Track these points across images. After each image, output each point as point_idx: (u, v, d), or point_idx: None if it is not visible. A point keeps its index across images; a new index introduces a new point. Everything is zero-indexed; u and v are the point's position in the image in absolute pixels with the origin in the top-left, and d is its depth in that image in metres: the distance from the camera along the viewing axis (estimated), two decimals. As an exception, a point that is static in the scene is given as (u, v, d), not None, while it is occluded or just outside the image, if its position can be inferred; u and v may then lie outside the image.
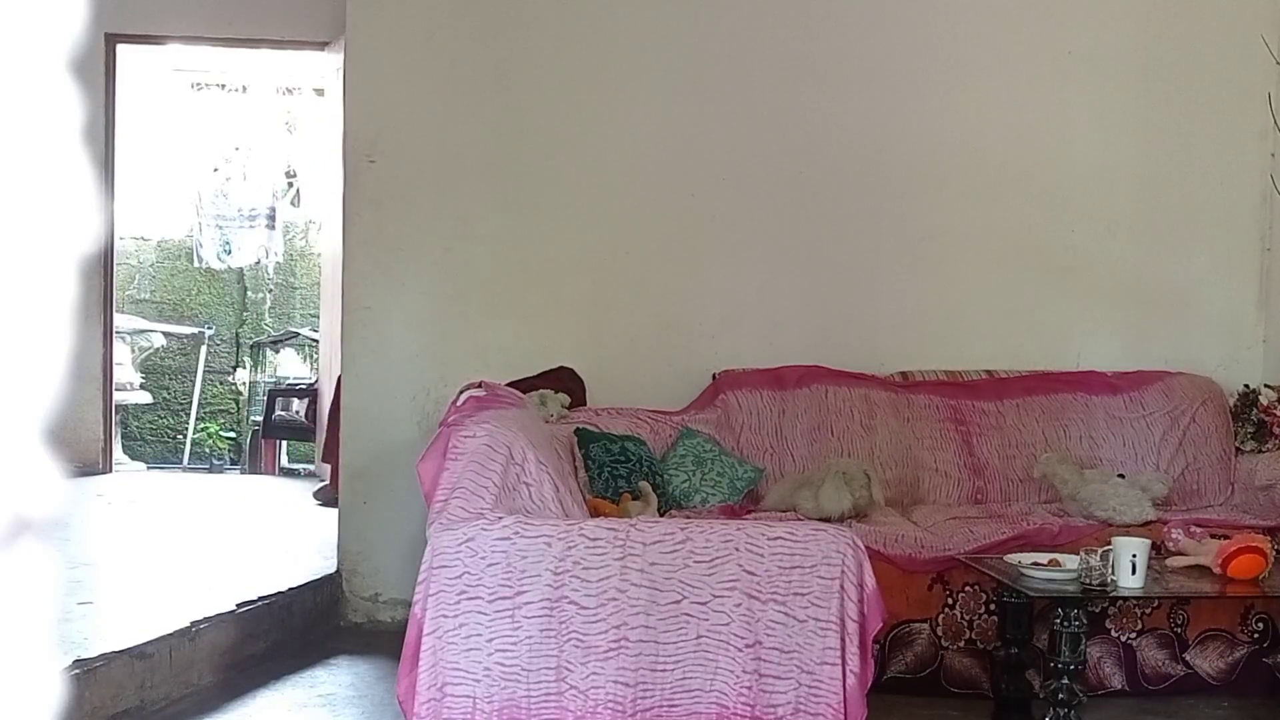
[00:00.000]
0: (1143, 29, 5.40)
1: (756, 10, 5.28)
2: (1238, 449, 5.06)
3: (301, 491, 7.24)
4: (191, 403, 9.34)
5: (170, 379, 9.48)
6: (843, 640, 2.99)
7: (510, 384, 4.44)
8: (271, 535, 5.83)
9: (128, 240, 9.28)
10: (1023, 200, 5.38)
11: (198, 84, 9.62)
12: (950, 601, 4.23)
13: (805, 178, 5.29)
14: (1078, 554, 3.67)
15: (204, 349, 9.37)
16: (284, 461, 8.52)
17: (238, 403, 9.50)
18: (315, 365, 8.77)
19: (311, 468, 8.30)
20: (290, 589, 4.65)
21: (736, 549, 3.03)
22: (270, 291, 9.71)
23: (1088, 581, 3.56)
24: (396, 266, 5.13)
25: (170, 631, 3.84)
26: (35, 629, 0.72)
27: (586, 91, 5.22)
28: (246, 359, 9.48)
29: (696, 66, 5.25)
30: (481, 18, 5.18)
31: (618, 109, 5.24)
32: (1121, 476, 4.67)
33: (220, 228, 9.39)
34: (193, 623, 3.97)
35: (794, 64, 5.28)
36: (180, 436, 9.39)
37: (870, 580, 3.05)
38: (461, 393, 3.95)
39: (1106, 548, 3.66)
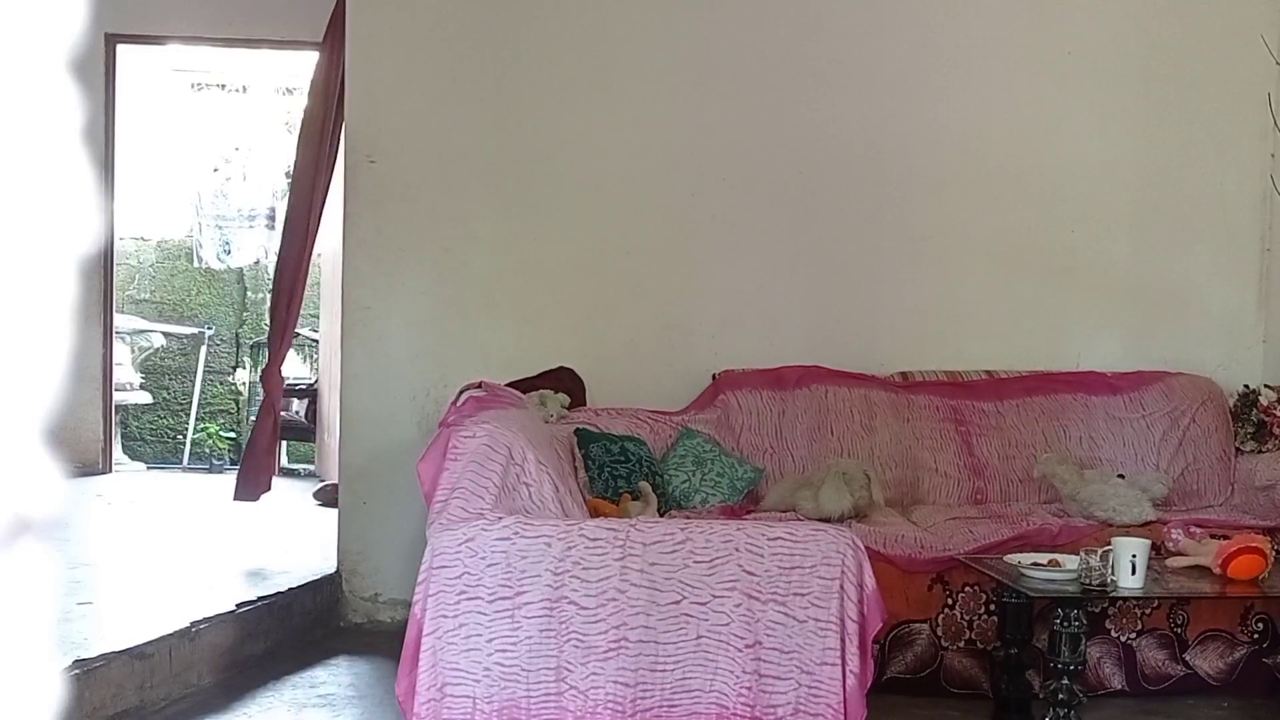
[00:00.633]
0: (1143, 29, 5.40)
1: (756, 10, 5.28)
2: (1238, 449, 5.06)
3: (301, 491, 7.24)
4: (191, 403, 9.34)
5: (170, 379, 9.48)
6: (843, 640, 2.98)
7: (510, 384, 4.45)
8: (271, 535, 5.83)
9: (128, 240, 9.28)
10: (1023, 200, 5.37)
11: (198, 84, 9.62)
12: (950, 602, 4.23)
13: (805, 178, 5.29)
14: (1077, 554, 3.67)
15: (204, 349, 9.37)
16: (284, 461, 8.51)
17: (238, 403, 9.50)
18: (315, 365, 8.77)
19: (312, 468, 8.30)
20: (290, 589, 4.66)
21: (736, 549, 3.03)
22: (270, 291, 9.70)
23: (1087, 582, 3.56)
24: (396, 266, 5.13)
25: (170, 632, 3.84)
26: (35, 629, 0.72)
27: (586, 91, 5.22)
28: (246, 359, 9.48)
29: (696, 67, 5.25)
30: (481, 18, 5.18)
31: (618, 109, 5.24)
32: (1121, 477, 4.67)
33: (220, 228, 9.39)
34: (192, 623, 3.97)
35: (794, 64, 5.28)
36: (180, 437, 9.38)
37: (870, 580, 3.05)
38: (461, 393, 3.96)
39: (1106, 548, 3.66)
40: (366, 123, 5.13)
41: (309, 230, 5.38)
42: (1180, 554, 4.00)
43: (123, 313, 8.63)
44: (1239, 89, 5.39)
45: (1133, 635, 4.28)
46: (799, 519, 4.23)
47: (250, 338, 9.55)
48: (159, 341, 9.25)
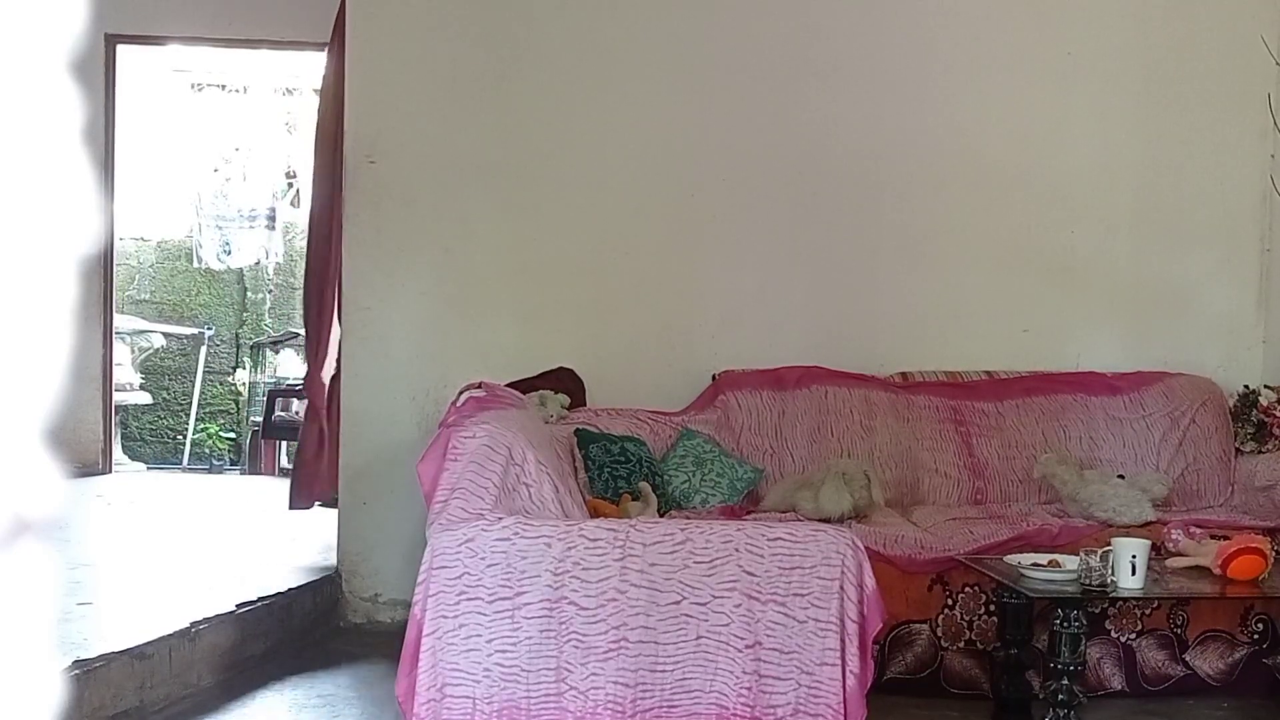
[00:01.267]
0: (1142, 29, 5.40)
1: (757, 10, 5.28)
2: (1237, 450, 5.07)
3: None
4: (191, 403, 9.34)
5: (170, 379, 9.48)
6: (842, 641, 2.98)
7: (510, 384, 4.44)
8: (271, 535, 5.83)
9: (128, 241, 9.28)
10: (1023, 200, 5.38)
11: (198, 84, 9.63)
12: (950, 602, 4.23)
13: (805, 178, 5.29)
14: (1077, 555, 3.67)
15: (204, 349, 9.37)
16: (284, 462, 8.51)
17: (237, 403, 9.51)
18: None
19: (311, 468, 8.29)
20: (290, 589, 4.65)
21: (736, 550, 3.03)
22: (270, 292, 9.71)
23: (1087, 582, 3.56)
24: (396, 266, 5.13)
25: (170, 632, 3.84)
26: (35, 629, 0.72)
27: (586, 91, 5.22)
28: (246, 359, 9.48)
29: (696, 67, 5.25)
30: (482, 18, 5.18)
31: (618, 109, 5.24)
32: (1121, 477, 4.67)
33: (220, 228, 9.39)
34: (192, 623, 3.97)
35: (794, 64, 5.28)
36: (180, 437, 9.39)
37: (870, 581, 3.05)
38: (461, 393, 3.95)
39: (1106, 548, 3.66)
40: (366, 123, 5.13)
41: (332, 234, 5.36)
42: (1180, 554, 4.00)
43: (123, 313, 8.64)
44: (1239, 89, 5.39)
45: (1133, 636, 4.28)
46: (799, 519, 4.23)
47: (250, 338, 9.55)
48: (159, 342, 9.25)
